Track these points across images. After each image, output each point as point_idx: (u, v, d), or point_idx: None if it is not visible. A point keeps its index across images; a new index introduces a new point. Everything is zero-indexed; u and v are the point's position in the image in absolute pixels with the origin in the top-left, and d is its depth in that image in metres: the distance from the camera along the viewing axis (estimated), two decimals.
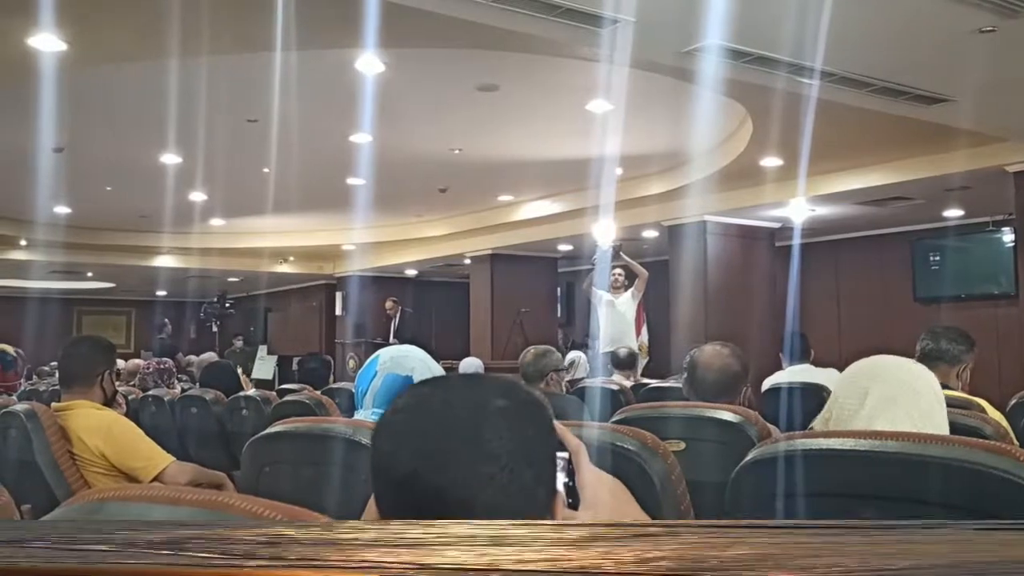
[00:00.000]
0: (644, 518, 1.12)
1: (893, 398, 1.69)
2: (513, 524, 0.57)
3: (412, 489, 0.85)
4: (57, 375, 4.43)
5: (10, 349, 3.98)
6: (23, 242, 12.87)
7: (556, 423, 1.08)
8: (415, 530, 0.57)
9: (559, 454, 1.10)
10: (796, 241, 9.67)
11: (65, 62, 5.36)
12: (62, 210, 11.24)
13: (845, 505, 1.49)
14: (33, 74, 5.46)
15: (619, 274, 8.80)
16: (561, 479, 1.09)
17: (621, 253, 8.68)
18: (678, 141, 7.95)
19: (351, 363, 11.81)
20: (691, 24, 4.63)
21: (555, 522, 0.92)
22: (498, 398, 0.90)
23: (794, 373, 4.79)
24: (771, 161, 8.00)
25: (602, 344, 8.35)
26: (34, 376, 10.38)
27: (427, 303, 15.69)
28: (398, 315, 12.47)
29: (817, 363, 5.04)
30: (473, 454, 0.86)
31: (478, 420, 0.89)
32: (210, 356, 8.74)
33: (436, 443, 0.87)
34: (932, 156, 7.74)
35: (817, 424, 1.80)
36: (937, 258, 10.36)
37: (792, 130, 6.46)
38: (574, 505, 1.10)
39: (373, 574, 0.51)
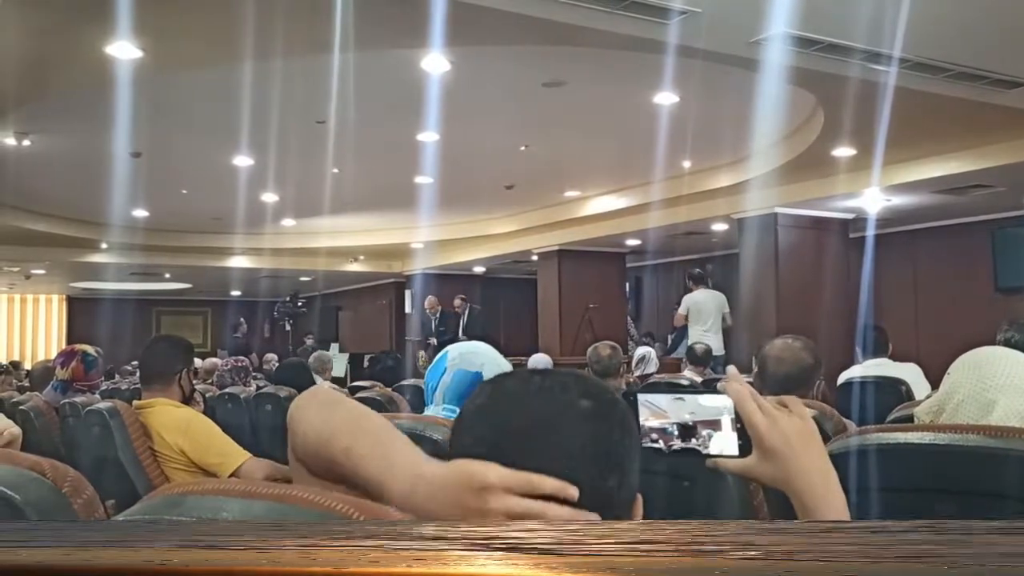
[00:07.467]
0: (831, 474, 1.09)
1: (1022, 415, 1.60)
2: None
3: None
4: (138, 374, 4.55)
5: (91, 349, 4.10)
6: (103, 245, 13.25)
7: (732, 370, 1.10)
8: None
9: (726, 402, 1.11)
10: (870, 232, 9.47)
11: (141, 69, 5.51)
12: (140, 213, 11.55)
13: (923, 501, 1.45)
14: (111, 81, 5.63)
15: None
16: (728, 420, 1.09)
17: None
18: (747, 132, 7.83)
19: (420, 360, 11.91)
20: (759, 13, 4.57)
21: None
22: (584, 399, 0.89)
23: (871, 367, 4.66)
24: (844, 151, 7.84)
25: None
26: (116, 375, 10.69)
27: (495, 300, 15.73)
28: (466, 312, 12.54)
29: (895, 357, 4.90)
30: (555, 453, 0.85)
31: (562, 420, 0.87)
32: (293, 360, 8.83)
33: (515, 440, 0.86)
34: (1014, 142, 7.49)
35: (924, 416, 1.74)
36: (1020, 245, 10.02)
37: (865, 118, 6.31)
38: (746, 448, 1.09)
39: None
